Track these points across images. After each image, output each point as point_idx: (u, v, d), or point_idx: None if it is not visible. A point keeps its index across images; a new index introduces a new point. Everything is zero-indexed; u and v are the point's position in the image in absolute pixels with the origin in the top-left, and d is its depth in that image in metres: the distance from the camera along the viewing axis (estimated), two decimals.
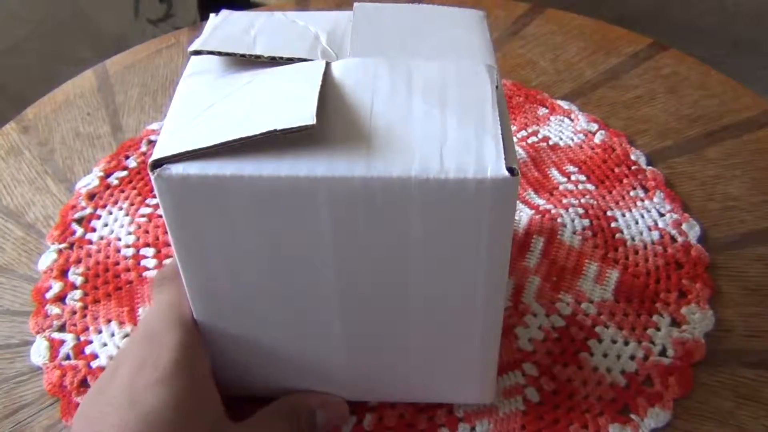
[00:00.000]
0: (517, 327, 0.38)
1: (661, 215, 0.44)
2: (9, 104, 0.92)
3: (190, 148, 0.25)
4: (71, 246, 0.44)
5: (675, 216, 0.44)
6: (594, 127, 0.51)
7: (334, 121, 0.26)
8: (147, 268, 0.42)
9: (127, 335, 0.39)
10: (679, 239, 0.43)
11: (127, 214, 0.46)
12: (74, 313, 0.40)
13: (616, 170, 0.47)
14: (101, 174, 0.49)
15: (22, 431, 0.35)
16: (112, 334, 0.39)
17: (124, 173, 0.49)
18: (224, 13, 0.32)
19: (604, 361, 0.37)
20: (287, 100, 0.26)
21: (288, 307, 0.29)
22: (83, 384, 0.37)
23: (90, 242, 0.44)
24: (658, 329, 0.38)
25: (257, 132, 0.24)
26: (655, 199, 0.45)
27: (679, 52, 0.58)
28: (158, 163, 0.25)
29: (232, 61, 0.29)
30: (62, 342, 0.39)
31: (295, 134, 0.24)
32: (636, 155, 0.48)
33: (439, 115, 0.26)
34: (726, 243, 0.43)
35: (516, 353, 0.37)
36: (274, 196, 0.25)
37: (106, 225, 0.45)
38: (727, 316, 0.39)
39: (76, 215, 0.46)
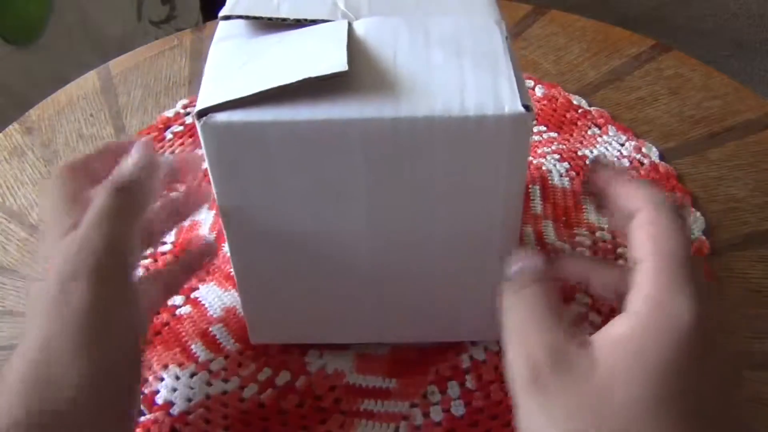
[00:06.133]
0: None
1: (622, 145, 0.50)
2: (12, 105, 0.92)
3: (232, 97, 0.27)
4: None
5: (633, 143, 0.50)
6: (530, 83, 0.55)
7: (362, 71, 0.28)
8: (177, 306, 0.40)
9: (194, 374, 0.37)
10: (645, 161, 0.48)
11: None
12: None
13: (568, 116, 0.52)
14: None
15: None
16: (177, 377, 0.37)
17: None
18: None
19: None
20: (318, 53, 0.28)
21: (321, 248, 0.31)
22: None
23: None
24: None
25: (294, 80, 0.26)
26: (610, 133, 0.51)
27: (681, 54, 0.57)
28: (204, 112, 0.27)
29: (259, 25, 0.31)
30: None
31: (329, 81, 0.27)
32: (577, 99, 0.53)
33: (457, 63, 0.29)
34: (729, 244, 0.43)
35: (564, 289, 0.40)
36: (310, 139, 0.27)
37: None
38: (730, 317, 0.39)
39: None
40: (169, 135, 0.52)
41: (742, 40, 1.52)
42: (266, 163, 0.28)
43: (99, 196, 0.29)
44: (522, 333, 0.25)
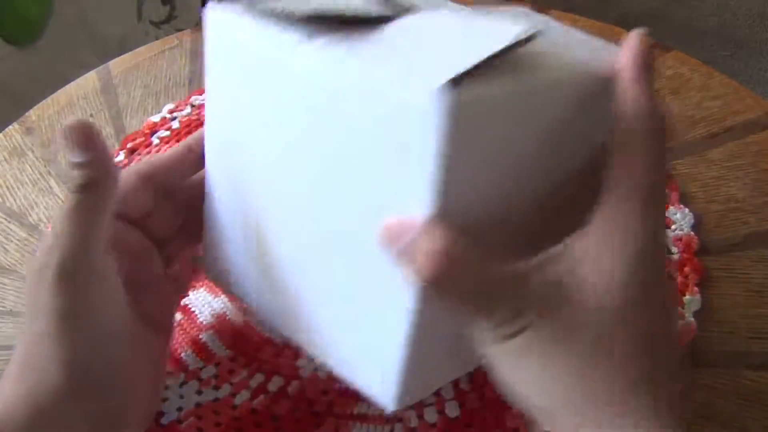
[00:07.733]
0: None
1: None
2: (12, 105, 0.92)
3: (465, 69, 0.23)
4: None
5: None
6: None
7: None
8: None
9: (183, 383, 0.37)
10: None
11: None
12: None
13: None
14: None
15: None
16: (166, 387, 0.37)
17: None
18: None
19: None
20: (480, 30, 0.27)
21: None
22: None
23: None
24: None
25: (502, 46, 0.24)
26: None
27: (681, 54, 0.57)
28: (445, 89, 0.23)
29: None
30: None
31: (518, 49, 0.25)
32: None
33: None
34: (729, 245, 0.43)
35: None
36: (526, 105, 0.26)
37: None
38: (730, 317, 0.39)
39: None
40: (155, 140, 0.51)
41: (742, 40, 1.52)
42: (497, 137, 0.26)
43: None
44: None
